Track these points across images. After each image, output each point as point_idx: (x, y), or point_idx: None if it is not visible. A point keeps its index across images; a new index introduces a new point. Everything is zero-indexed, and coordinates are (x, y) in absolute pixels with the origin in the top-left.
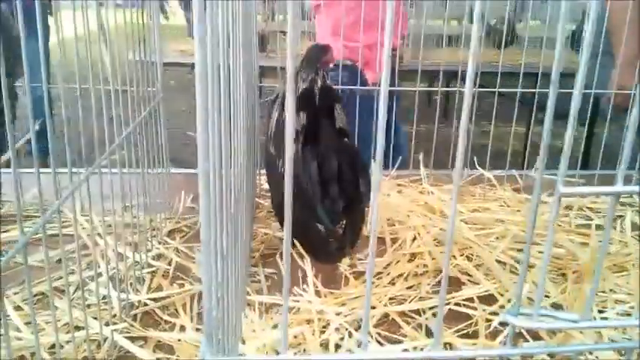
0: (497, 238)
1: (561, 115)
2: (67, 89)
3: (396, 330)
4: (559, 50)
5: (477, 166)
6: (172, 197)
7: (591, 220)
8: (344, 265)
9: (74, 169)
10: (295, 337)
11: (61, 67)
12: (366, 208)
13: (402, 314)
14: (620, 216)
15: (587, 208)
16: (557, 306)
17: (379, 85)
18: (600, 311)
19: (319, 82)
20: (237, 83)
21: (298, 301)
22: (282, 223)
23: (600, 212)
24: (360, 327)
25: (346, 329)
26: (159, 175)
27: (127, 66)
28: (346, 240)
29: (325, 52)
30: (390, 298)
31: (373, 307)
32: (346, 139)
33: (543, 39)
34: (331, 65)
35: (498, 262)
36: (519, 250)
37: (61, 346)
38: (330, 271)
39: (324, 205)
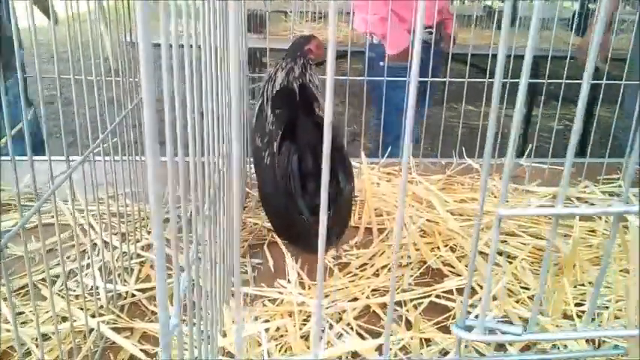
0: (482, 229)
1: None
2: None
3: (376, 322)
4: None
5: (465, 156)
6: (164, 187)
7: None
8: (329, 257)
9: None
10: (278, 328)
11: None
12: (353, 200)
13: (384, 306)
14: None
15: (575, 198)
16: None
17: (397, 58)
18: (578, 304)
19: (296, 71)
20: (207, 66)
21: (282, 293)
22: (267, 213)
23: (587, 202)
24: (341, 319)
25: (327, 321)
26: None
27: (119, 48)
28: (331, 231)
29: (308, 41)
30: (373, 290)
31: (355, 299)
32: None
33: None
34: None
35: (481, 253)
36: (503, 242)
37: (49, 338)
38: (316, 262)
39: (304, 198)
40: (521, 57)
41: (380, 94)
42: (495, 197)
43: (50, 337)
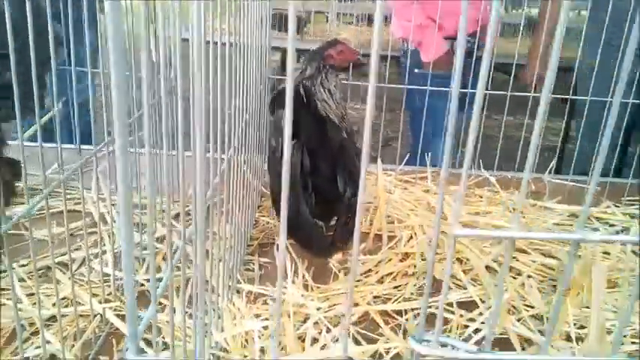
0: (491, 244)
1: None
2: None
3: (375, 329)
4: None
5: (482, 169)
6: (186, 180)
7: (597, 230)
8: (334, 261)
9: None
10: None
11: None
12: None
13: (384, 313)
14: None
15: (595, 218)
16: (539, 317)
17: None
18: (581, 327)
19: (307, 73)
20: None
21: (284, 294)
22: (277, 213)
23: (607, 222)
24: (339, 323)
25: (324, 325)
26: (171, 156)
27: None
28: (336, 235)
29: (331, 46)
30: (375, 297)
31: (356, 305)
32: (344, 135)
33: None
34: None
35: (488, 268)
36: (513, 258)
37: (56, 320)
38: (323, 265)
39: (306, 202)
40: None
41: (413, 101)
42: (512, 211)
43: (57, 319)
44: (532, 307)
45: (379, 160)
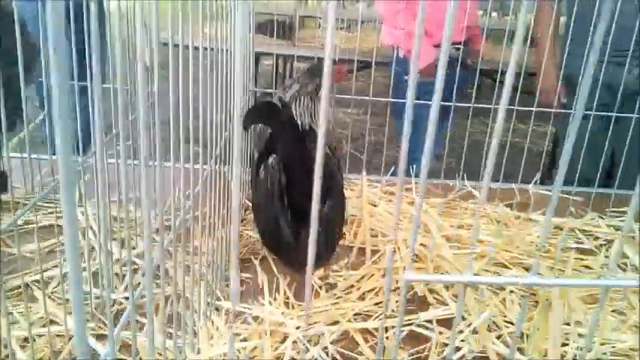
0: (476, 258)
1: None
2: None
3: (354, 347)
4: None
5: (466, 182)
6: (167, 192)
7: (582, 243)
8: (315, 278)
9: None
10: (255, 347)
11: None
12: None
13: (365, 331)
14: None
15: (579, 230)
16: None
17: (422, 73)
18: (564, 344)
19: (309, 88)
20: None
21: (263, 312)
22: (257, 227)
23: (591, 235)
24: (319, 342)
25: (303, 344)
26: (150, 168)
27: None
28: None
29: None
30: (356, 314)
31: (336, 322)
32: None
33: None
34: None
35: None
36: (495, 273)
37: (34, 340)
38: (304, 281)
39: (285, 217)
40: None
41: (400, 108)
42: (496, 223)
43: (35, 339)
44: (512, 324)
45: (364, 172)
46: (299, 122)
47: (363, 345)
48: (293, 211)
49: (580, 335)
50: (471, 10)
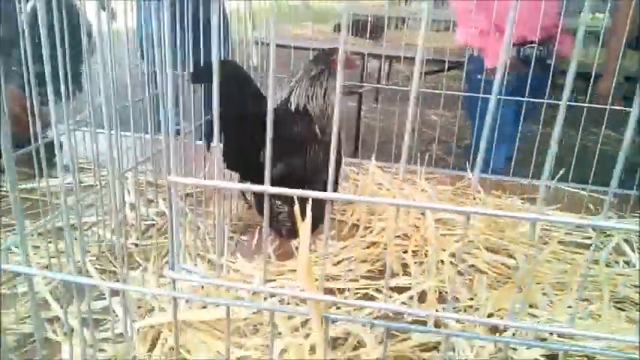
0: (457, 241)
1: None
2: None
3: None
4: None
5: (469, 170)
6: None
7: (589, 238)
8: (296, 243)
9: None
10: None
11: None
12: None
13: (329, 291)
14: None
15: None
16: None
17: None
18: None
19: (313, 72)
20: None
21: (234, 262)
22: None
23: (605, 233)
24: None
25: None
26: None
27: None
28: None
29: (332, 53)
30: (326, 276)
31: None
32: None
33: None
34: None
35: (452, 263)
36: (475, 258)
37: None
38: (291, 246)
39: None
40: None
41: (474, 107)
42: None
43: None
44: (472, 299)
45: (373, 156)
46: (294, 103)
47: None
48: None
49: (530, 315)
50: (549, 8)
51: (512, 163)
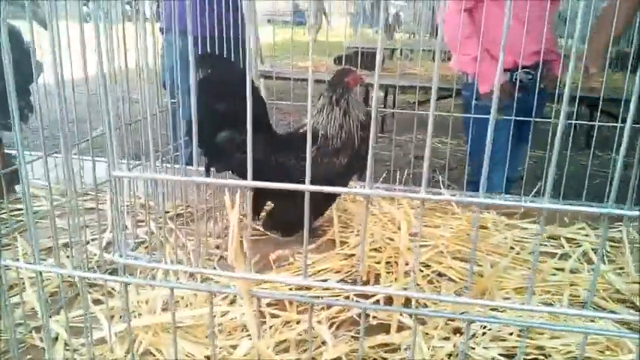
0: (428, 250)
1: None
2: None
3: (282, 308)
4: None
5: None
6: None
7: (560, 248)
8: (274, 256)
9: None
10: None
11: None
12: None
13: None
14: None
15: (564, 238)
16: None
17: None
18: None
19: (337, 93)
20: None
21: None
22: None
23: (578, 244)
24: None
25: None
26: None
27: None
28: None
29: (346, 74)
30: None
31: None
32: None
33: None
34: None
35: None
36: (439, 263)
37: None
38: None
39: None
40: None
41: (470, 131)
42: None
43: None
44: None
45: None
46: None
47: (289, 307)
48: None
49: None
50: (543, 33)
51: (523, 181)
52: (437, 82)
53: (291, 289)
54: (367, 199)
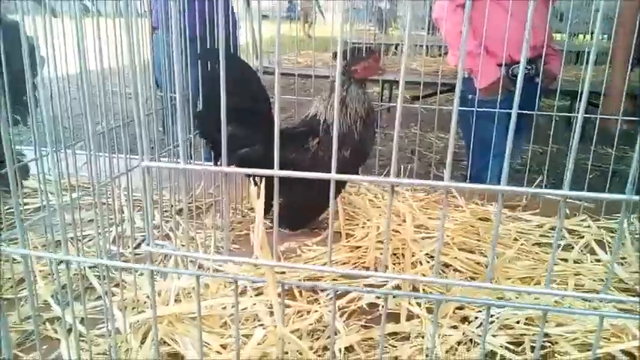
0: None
1: None
2: None
3: (291, 298)
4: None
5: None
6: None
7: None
8: (282, 247)
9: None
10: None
11: None
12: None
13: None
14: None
15: (566, 229)
16: None
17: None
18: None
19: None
20: None
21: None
22: None
23: (580, 235)
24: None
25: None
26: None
27: None
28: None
29: (361, 60)
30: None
31: (282, 272)
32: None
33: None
34: None
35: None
36: (445, 255)
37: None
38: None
39: None
40: None
41: (467, 126)
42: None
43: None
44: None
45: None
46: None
47: (298, 296)
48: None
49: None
50: (539, 28)
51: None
52: (403, 77)
53: (300, 280)
54: (392, 188)
